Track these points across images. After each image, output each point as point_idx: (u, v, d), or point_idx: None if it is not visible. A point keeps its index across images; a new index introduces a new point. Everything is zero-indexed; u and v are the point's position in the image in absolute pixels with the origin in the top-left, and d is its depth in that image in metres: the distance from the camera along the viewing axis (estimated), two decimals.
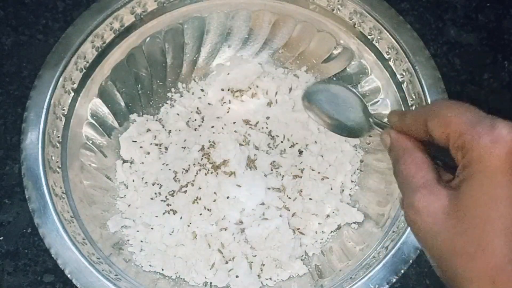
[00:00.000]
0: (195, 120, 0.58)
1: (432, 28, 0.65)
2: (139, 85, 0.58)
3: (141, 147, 0.56)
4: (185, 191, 0.54)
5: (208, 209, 0.53)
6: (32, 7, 0.64)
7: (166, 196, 0.55)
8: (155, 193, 0.55)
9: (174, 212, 0.54)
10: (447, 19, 0.65)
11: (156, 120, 0.58)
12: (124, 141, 0.56)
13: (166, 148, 0.56)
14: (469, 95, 0.62)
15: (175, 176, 0.55)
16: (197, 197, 0.53)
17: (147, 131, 0.57)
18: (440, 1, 0.65)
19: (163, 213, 0.54)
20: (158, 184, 0.55)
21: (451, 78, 0.62)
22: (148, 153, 0.56)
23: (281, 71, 0.59)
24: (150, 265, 0.52)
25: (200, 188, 0.53)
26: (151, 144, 0.56)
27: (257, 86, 0.58)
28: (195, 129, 0.57)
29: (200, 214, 0.53)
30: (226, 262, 0.52)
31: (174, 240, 0.53)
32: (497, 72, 0.63)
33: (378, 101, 0.56)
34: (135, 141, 0.56)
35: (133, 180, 0.55)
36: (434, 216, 0.30)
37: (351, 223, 0.55)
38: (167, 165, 0.56)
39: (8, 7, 0.64)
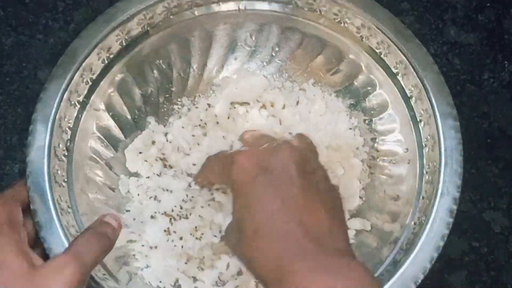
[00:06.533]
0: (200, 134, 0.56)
1: (432, 28, 0.63)
2: (145, 98, 0.56)
3: (146, 160, 0.54)
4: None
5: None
6: (32, 7, 0.63)
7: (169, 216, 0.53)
8: (157, 211, 0.53)
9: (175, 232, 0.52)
10: (447, 19, 0.64)
11: (162, 132, 0.56)
12: (129, 153, 0.54)
13: (171, 167, 0.54)
14: (469, 95, 0.62)
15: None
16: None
17: (153, 143, 0.55)
18: (440, 1, 0.63)
19: (164, 231, 0.52)
20: (159, 201, 0.53)
21: (451, 78, 0.61)
22: (152, 166, 0.54)
23: (288, 84, 0.57)
24: (155, 281, 0.50)
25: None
26: (156, 159, 0.54)
27: (263, 99, 0.56)
28: (199, 144, 0.55)
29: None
30: (235, 279, 0.51)
31: (178, 258, 0.51)
32: (497, 72, 0.62)
33: (386, 116, 0.54)
34: (141, 153, 0.54)
35: (138, 194, 0.53)
36: None
37: (357, 244, 0.52)
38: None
39: (8, 7, 0.63)
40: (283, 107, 0.56)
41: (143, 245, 0.52)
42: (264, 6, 0.55)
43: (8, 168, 0.59)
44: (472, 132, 0.60)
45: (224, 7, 0.55)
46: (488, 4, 0.64)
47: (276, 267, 0.36)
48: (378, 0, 0.52)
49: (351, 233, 0.53)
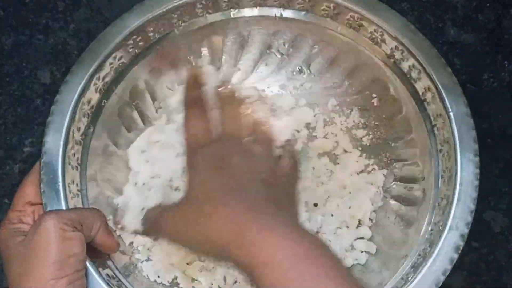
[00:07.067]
0: None
1: (432, 28, 0.63)
2: (172, 92, 0.56)
3: (148, 161, 0.54)
4: None
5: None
6: (32, 7, 0.63)
7: None
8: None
9: None
10: (447, 19, 0.64)
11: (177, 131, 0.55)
12: (132, 151, 0.54)
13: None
14: (469, 95, 0.62)
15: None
16: None
17: (156, 143, 0.54)
18: (440, 1, 0.63)
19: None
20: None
21: None
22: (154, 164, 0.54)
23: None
24: (154, 275, 0.51)
25: None
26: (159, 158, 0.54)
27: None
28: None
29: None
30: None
31: (180, 257, 0.51)
32: (497, 72, 0.62)
33: (408, 141, 0.54)
34: (144, 151, 0.54)
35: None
36: None
37: (358, 264, 0.52)
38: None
39: (8, 7, 0.62)
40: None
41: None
42: (300, 16, 0.54)
43: (8, 168, 0.59)
44: None
45: (261, 12, 0.55)
46: (488, 4, 0.64)
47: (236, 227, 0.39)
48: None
49: (355, 254, 0.52)
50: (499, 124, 0.60)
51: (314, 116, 0.56)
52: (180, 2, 0.51)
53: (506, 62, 0.62)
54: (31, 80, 0.61)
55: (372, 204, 0.54)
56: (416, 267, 0.46)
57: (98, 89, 0.50)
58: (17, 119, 0.60)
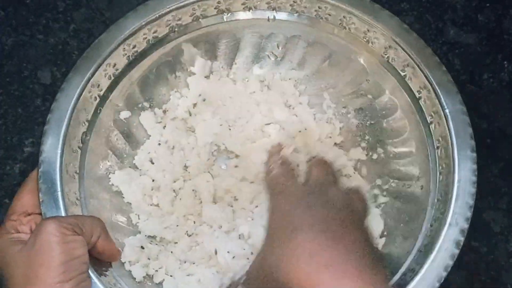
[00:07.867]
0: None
1: (432, 28, 0.63)
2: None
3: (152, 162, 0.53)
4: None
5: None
6: (32, 7, 0.62)
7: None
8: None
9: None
10: (447, 19, 0.63)
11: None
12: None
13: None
14: (469, 95, 0.62)
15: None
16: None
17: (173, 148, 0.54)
18: (440, 1, 0.63)
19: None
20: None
21: None
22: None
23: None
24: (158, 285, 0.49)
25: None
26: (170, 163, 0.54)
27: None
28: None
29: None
30: None
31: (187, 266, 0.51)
32: (497, 72, 0.62)
33: (404, 139, 0.54)
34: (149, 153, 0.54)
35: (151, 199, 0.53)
36: None
37: None
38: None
39: (8, 7, 0.62)
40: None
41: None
42: (294, 18, 0.54)
43: (9, 168, 0.59)
44: None
45: (254, 15, 0.55)
46: (488, 4, 0.64)
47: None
48: (378, 0, 0.52)
49: None
50: (499, 124, 0.60)
51: (315, 120, 0.56)
52: (173, 7, 0.51)
53: (506, 62, 0.62)
54: (31, 80, 0.61)
55: (375, 201, 0.54)
56: (417, 264, 0.46)
57: (94, 96, 0.50)
58: (17, 119, 0.60)
